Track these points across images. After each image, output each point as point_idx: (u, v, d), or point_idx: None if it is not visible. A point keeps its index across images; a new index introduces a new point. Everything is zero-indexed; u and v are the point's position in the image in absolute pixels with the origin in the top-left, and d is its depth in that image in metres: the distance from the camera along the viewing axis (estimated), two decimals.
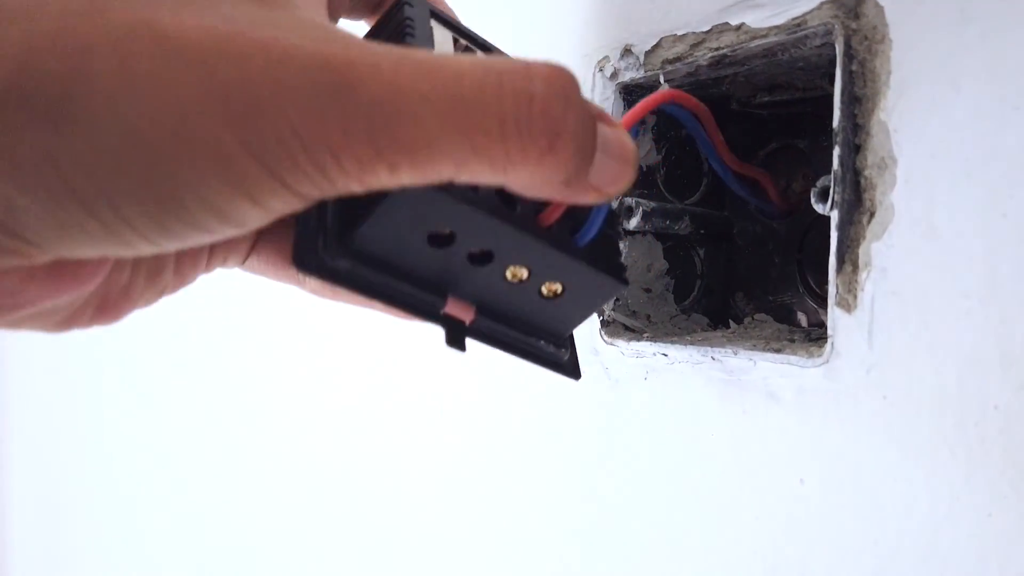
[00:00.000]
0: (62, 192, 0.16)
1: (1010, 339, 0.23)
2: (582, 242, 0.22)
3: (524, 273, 0.22)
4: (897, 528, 0.26)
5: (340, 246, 0.20)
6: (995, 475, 0.24)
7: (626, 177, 0.20)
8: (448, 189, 0.19)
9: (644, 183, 0.37)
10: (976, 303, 0.24)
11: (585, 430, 0.37)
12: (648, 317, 0.38)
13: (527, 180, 0.18)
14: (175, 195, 0.16)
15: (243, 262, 0.26)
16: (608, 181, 0.20)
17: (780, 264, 0.38)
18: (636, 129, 0.23)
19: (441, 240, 0.21)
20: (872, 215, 0.27)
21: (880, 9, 0.27)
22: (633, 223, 0.35)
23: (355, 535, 0.53)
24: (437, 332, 0.22)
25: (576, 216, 0.23)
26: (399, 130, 0.16)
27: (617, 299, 0.37)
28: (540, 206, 0.22)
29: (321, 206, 0.21)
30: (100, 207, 0.16)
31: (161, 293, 0.24)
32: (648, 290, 0.38)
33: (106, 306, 0.22)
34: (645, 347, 0.34)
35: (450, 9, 0.28)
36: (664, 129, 0.38)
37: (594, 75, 0.36)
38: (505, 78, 0.17)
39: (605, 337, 0.36)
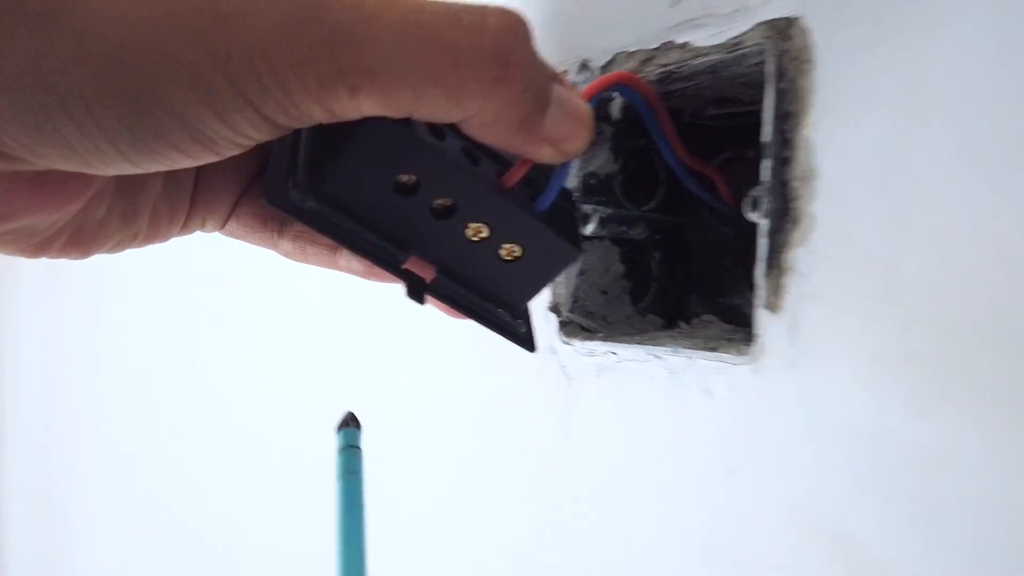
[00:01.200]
0: (43, 91, 0.17)
1: (911, 338, 0.25)
2: (542, 207, 0.24)
3: (485, 231, 0.23)
4: (810, 512, 0.28)
5: (308, 187, 0.22)
6: (897, 465, 0.26)
7: (581, 136, 0.22)
8: (414, 132, 0.21)
9: (601, 191, 0.39)
10: (883, 305, 0.26)
11: (542, 425, 0.39)
12: (605, 318, 0.40)
13: (481, 115, 0.19)
14: (148, 105, 0.17)
15: (223, 226, 0.27)
16: (563, 136, 0.21)
17: (730, 268, 0.40)
18: (595, 101, 0.25)
19: (406, 189, 0.22)
20: (796, 223, 0.29)
21: (806, 32, 0.29)
22: (590, 229, 0.37)
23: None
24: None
25: (536, 187, 0.24)
26: (361, 52, 0.18)
27: (575, 300, 0.39)
28: (503, 169, 0.23)
29: (295, 148, 0.23)
30: (78, 108, 0.17)
31: (134, 239, 0.25)
32: (605, 292, 0.40)
33: (79, 237, 0.23)
34: (597, 346, 0.36)
35: None
36: (622, 140, 0.40)
37: None
38: (461, 13, 0.19)
39: (563, 337, 0.38)
